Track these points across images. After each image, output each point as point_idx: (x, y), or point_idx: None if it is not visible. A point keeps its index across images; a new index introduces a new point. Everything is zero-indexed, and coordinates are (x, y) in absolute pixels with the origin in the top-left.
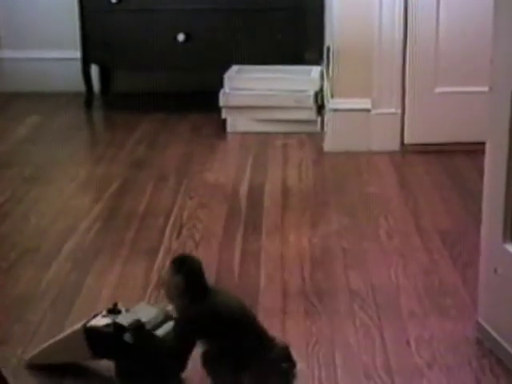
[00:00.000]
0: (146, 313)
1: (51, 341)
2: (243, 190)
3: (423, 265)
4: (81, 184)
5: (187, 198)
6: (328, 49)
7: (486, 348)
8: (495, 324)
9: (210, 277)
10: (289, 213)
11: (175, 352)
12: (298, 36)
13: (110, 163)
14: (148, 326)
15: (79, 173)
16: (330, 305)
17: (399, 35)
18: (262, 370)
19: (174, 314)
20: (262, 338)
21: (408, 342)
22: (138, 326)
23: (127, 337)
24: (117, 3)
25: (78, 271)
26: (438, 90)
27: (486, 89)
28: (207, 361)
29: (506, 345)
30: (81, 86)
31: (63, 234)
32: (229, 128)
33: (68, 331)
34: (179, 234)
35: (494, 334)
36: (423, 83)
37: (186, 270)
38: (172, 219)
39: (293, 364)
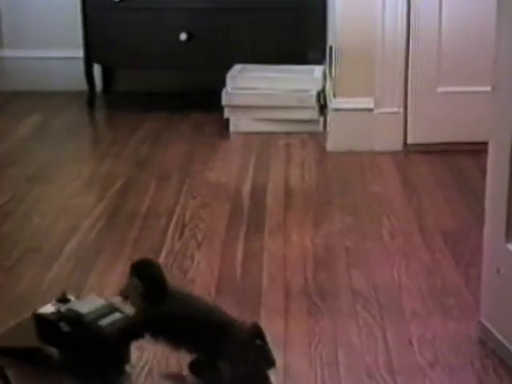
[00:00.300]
0: (91, 304)
1: (9, 325)
2: (246, 189)
3: (426, 265)
4: (83, 183)
5: (190, 197)
6: (330, 48)
7: (488, 348)
8: (498, 324)
9: (212, 276)
10: (291, 212)
11: (113, 344)
12: (300, 35)
13: (112, 162)
14: (88, 317)
15: (81, 172)
16: (333, 304)
17: (402, 35)
18: (237, 353)
19: (121, 307)
20: (229, 332)
21: (410, 342)
22: (73, 316)
23: (63, 325)
24: (119, 2)
25: (79, 271)
26: (441, 89)
27: (488, 88)
28: (195, 368)
29: (508, 345)
30: (83, 85)
31: (65, 234)
32: (231, 127)
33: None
34: (182, 233)
35: (497, 334)
36: (426, 83)
37: (145, 274)
38: (174, 219)
39: (265, 341)
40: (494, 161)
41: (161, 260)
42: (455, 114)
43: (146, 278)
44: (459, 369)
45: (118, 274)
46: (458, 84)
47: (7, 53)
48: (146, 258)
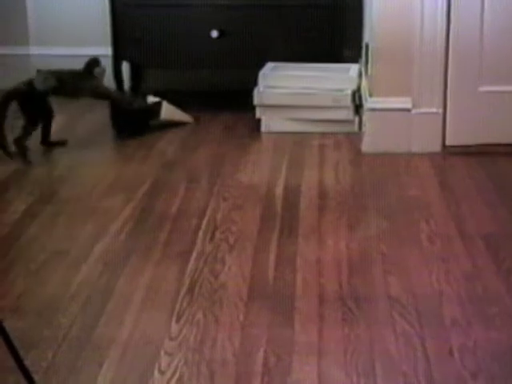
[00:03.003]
0: None
1: None
2: (278, 191)
3: (466, 271)
4: (111, 185)
5: (221, 199)
6: (367, 46)
7: None
8: None
9: (244, 281)
10: (326, 216)
11: None
12: (335, 33)
13: (140, 163)
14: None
15: (109, 173)
16: (369, 311)
17: (441, 31)
18: None
19: None
20: None
21: (451, 351)
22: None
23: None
24: None
25: (108, 274)
26: (482, 88)
27: None
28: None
29: None
30: (111, 84)
31: (93, 236)
32: (263, 128)
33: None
34: (213, 236)
35: None
36: (466, 82)
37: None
38: (205, 221)
39: None
40: None
41: (191, 263)
42: (497, 115)
43: None
44: (503, 379)
45: (148, 277)
46: (500, 83)
47: (34, 50)
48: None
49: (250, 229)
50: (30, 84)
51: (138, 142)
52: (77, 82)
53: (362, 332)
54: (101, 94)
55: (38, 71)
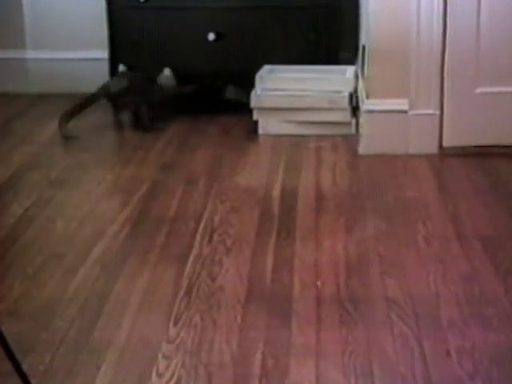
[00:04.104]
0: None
1: None
2: (276, 194)
3: (463, 272)
4: (108, 187)
5: (218, 202)
6: (363, 48)
7: None
8: None
9: (242, 283)
10: (323, 217)
11: None
12: (332, 35)
13: (138, 166)
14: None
15: (107, 176)
16: (367, 313)
17: (438, 32)
18: None
19: None
20: None
21: (448, 353)
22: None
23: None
24: (145, 2)
25: (106, 277)
26: (479, 90)
27: None
28: None
29: None
30: None
31: (91, 239)
32: (260, 130)
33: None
34: (210, 239)
35: None
36: (463, 83)
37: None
38: (203, 224)
39: None
40: None
41: (188, 266)
42: (494, 116)
43: None
44: (500, 381)
45: (145, 280)
46: (497, 84)
47: (30, 54)
48: None
49: (247, 231)
50: (105, 88)
51: (137, 143)
52: (145, 85)
53: (359, 333)
54: (166, 93)
55: (118, 73)
